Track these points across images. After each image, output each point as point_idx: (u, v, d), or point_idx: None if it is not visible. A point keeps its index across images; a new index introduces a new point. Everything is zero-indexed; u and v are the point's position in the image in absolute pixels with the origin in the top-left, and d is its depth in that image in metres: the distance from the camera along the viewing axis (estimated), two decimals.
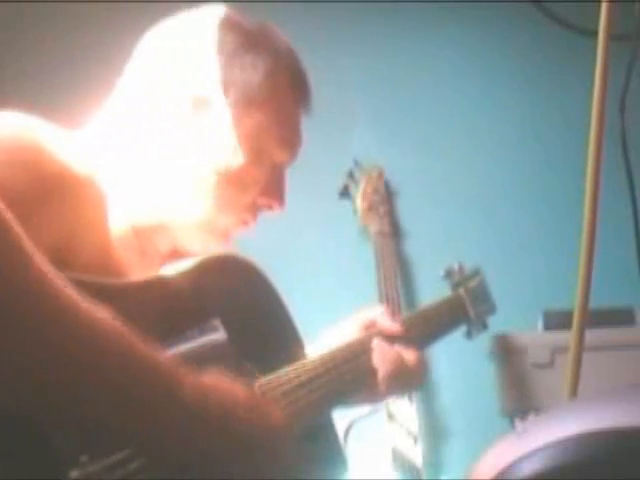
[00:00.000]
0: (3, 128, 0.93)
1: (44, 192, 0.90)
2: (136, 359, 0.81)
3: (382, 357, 1.28)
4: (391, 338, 1.32)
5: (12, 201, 0.73)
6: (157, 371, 0.82)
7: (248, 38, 1.14)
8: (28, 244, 0.73)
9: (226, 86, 1.12)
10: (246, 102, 1.12)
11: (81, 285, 0.78)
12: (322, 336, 1.33)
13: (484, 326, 1.67)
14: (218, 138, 1.12)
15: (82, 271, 0.89)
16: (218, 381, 0.90)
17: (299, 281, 2.18)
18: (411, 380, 1.33)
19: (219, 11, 1.16)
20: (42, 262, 0.74)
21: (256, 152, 1.14)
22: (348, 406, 1.35)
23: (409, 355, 1.31)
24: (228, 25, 1.14)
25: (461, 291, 1.60)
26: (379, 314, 1.37)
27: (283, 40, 1.19)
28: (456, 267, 1.65)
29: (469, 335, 1.64)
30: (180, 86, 1.11)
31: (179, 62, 1.12)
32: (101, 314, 0.78)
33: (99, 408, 0.77)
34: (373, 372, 1.28)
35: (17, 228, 0.73)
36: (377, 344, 1.29)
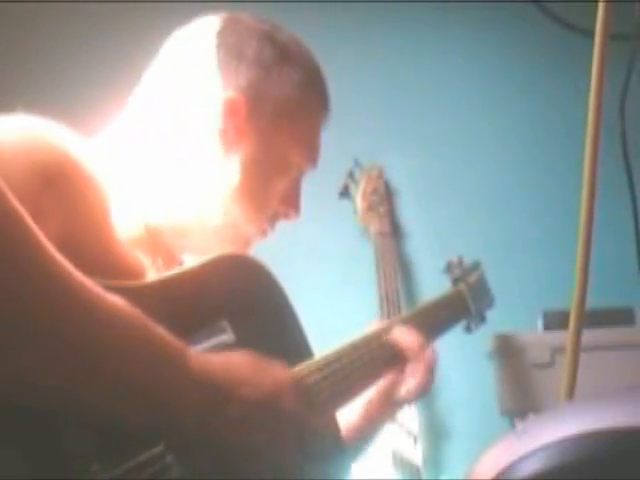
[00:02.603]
0: (10, 126, 0.93)
1: (45, 182, 0.90)
2: (149, 337, 0.81)
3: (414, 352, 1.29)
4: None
5: (15, 192, 0.74)
6: (167, 347, 0.83)
7: (284, 51, 1.15)
8: (33, 227, 0.74)
9: (262, 97, 1.12)
10: (280, 114, 1.14)
11: None
12: None
13: (482, 320, 1.67)
14: (249, 149, 1.12)
15: (87, 272, 0.90)
16: (218, 355, 0.91)
17: (299, 281, 2.17)
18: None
19: (252, 20, 1.17)
20: (54, 253, 0.75)
21: (287, 164, 1.17)
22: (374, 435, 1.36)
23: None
24: (265, 36, 1.14)
25: (462, 286, 1.60)
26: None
27: (311, 53, 1.20)
28: (456, 260, 1.65)
29: (468, 329, 1.64)
30: (213, 93, 1.11)
31: (212, 69, 1.12)
32: (111, 296, 0.80)
33: (115, 387, 0.78)
34: (394, 361, 1.28)
35: (27, 219, 0.73)
36: (402, 333, 1.29)
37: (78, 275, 0.77)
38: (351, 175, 2.33)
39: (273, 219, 1.20)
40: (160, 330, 0.84)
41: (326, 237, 2.33)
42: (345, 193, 2.32)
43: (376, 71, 2.42)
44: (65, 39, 2.35)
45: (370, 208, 2.27)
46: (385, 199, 2.31)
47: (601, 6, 1.18)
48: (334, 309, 2.19)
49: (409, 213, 2.37)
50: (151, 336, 0.82)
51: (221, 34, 1.14)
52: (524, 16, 2.23)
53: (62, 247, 0.89)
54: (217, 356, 0.90)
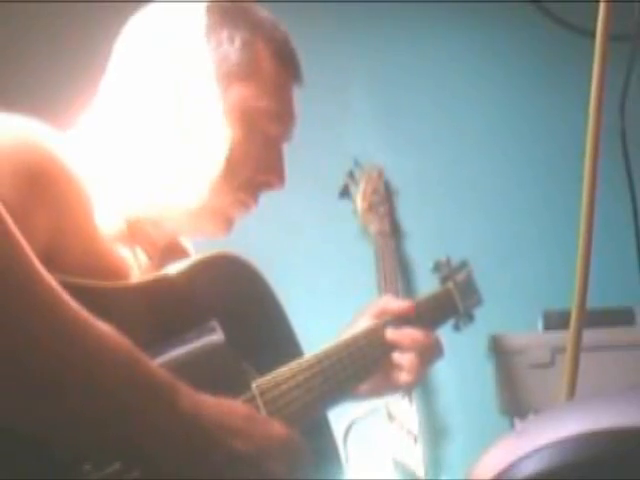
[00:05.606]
0: None
1: (29, 185, 0.90)
2: (136, 369, 0.81)
3: (408, 344, 1.31)
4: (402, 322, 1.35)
5: (2, 201, 0.74)
6: (155, 381, 0.83)
7: (224, 15, 1.12)
8: (29, 252, 0.74)
9: (207, 64, 1.10)
10: (228, 76, 1.10)
11: (75, 288, 0.78)
12: (339, 333, 1.35)
13: (471, 318, 1.67)
14: (207, 119, 1.10)
15: (72, 273, 0.89)
16: (215, 398, 0.90)
17: (299, 281, 2.18)
18: (436, 355, 1.37)
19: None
20: (44, 272, 0.75)
21: (245, 126, 1.11)
22: (368, 398, 1.38)
23: (425, 332, 1.35)
24: (207, 7, 1.12)
25: (450, 285, 1.61)
26: (386, 300, 1.41)
27: (263, 13, 1.16)
28: (444, 260, 1.66)
29: (457, 328, 1.65)
30: (165, 72, 1.10)
31: (163, 49, 1.10)
32: (101, 324, 0.79)
33: (99, 416, 0.78)
34: (385, 358, 1.31)
35: (20, 239, 0.73)
36: (393, 332, 1.32)
37: (68, 302, 0.76)
38: (351, 175, 2.33)
39: (250, 188, 1.15)
40: (151, 364, 0.83)
41: (326, 237, 2.33)
42: (345, 193, 2.32)
43: (376, 71, 2.42)
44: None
45: (370, 208, 2.28)
46: (385, 199, 2.31)
47: (602, 6, 1.18)
48: (334, 309, 2.19)
49: (409, 213, 2.37)
50: (139, 369, 0.81)
51: (173, 16, 1.12)
52: (524, 16, 2.23)
53: (47, 249, 0.89)
54: (212, 399, 0.89)
